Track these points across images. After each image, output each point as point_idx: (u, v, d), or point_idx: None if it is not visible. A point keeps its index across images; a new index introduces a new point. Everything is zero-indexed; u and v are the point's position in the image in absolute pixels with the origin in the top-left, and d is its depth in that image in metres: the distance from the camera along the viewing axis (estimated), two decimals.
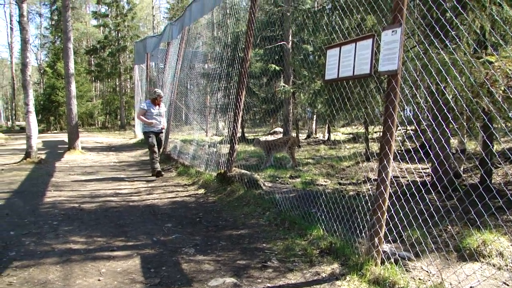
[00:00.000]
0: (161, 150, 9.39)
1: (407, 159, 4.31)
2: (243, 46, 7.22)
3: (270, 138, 19.66)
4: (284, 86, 13.75)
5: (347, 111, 7.37)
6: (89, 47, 44.96)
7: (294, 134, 18.80)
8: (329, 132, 18.55)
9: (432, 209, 3.57)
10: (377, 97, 7.16)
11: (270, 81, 19.57)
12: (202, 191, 7.50)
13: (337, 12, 7.06)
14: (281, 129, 22.10)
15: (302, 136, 20.36)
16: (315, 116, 19.59)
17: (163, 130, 9.29)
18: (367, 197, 5.12)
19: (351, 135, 15.23)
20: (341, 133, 19.99)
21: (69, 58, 13.95)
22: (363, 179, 8.06)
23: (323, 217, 4.77)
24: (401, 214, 3.64)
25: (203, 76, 13.43)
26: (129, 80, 46.45)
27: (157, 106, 9.08)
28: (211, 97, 13.33)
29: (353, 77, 3.89)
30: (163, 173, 9.30)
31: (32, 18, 48.93)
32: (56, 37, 42.82)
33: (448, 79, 4.46)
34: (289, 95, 14.39)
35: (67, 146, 14.64)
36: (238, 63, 8.71)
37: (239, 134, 7.37)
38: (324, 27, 7.60)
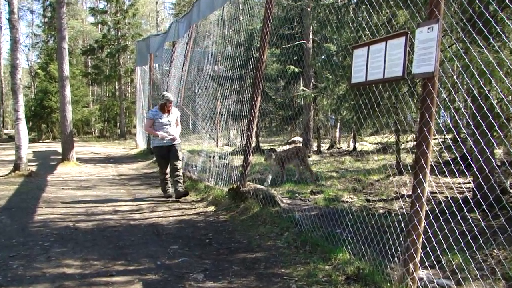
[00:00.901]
0: (179, 164, 8.43)
1: (446, 172, 4.27)
2: (258, 45, 7.27)
3: (286, 148, 19.69)
4: (304, 90, 13.79)
5: (376, 118, 7.34)
6: (85, 47, 45.69)
7: (315, 144, 18.76)
8: (354, 142, 18.48)
9: (476, 231, 3.52)
10: (410, 102, 7.12)
11: (288, 84, 19.62)
12: (212, 208, 7.52)
13: (364, 6, 7.06)
14: (300, 138, 22.08)
15: (324, 146, 20.32)
16: (339, 123, 19.54)
17: (176, 142, 8.46)
18: (400, 216, 5.06)
19: (380, 145, 15.13)
20: (369, 142, 19.89)
21: (64, 59, 14.15)
22: (395, 195, 8.00)
23: (349, 238, 4.73)
24: (440, 236, 3.59)
25: (213, 79, 13.53)
26: (130, 84, 47.03)
27: (167, 114, 8.36)
28: (222, 103, 13.43)
29: (383, 81, 3.89)
30: (179, 192, 8.37)
31: (23, 16, 50.02)
32: (49, 36, 43.64)
33: (493, 82, 4.43)
34: (309, 100, 14.41)
35: (60, 157, 14.83)
36: (252, 64, 8.75)
37: (253, 144, 7.40)
38: (350, 23, 7.61)
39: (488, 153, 5.44)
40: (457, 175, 4.34)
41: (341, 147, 20.13)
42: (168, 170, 8.56)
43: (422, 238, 3.42)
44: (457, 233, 3.57)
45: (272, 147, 12.32)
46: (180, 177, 8.43)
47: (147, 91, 20.03)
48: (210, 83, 13.68)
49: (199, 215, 7.16)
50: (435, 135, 3.84)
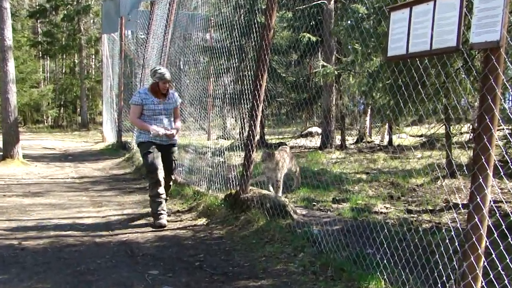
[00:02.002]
0: (173, 177, 8.22)
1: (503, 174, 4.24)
2: (264, 6, 7.24)
3: (301, 142, 19.62)
4: (324, 66, 13.75)
5: (420, 102, 7.30)
6: (34, 7, 45.55)
7: (338, 137, 18.74)
8: (390, 134, 18.44)
9: None
10: (466, 81, 7.10)
11: (302, 58, 19.58)
12: (203, 221, 7.52)
13: None
14: (318, 129, 22.11)
15: (350, 140, 20.32)
16: (370, 110, 19.51)
17: (176, 139, 7.92)
18: (452, 233, 5.04)
19: (424, 138, 15.07)
20: (409, 135, 19.86)
21: (5, 23, 14.01)
22: (445, 204, 7.98)
23: (384, 261, 4.72)
24: (508, 260, 3.58)
25: (204, 51, 13.49)
26: (94, 57, 47.11)
27: (161, 98, 7.62)
28: (216, 82, 13.42)
29: (430, 53, 3.87)
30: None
31: None
32: None
33: None
34: (331, 79, 14.36)
35: (1, 153, 14.77)
36: (256, 32, 8.73)
37: (257, 137, 7.37)
38: None
39: None
40: None
41: (373, 141, 20.12)
42: (160, 173, 7.52)
43: (483, 262, 3.40)
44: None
45: (281, 142, 12.28)
46: (166, 198, 7.74)
47: (118, 66, 20.05)
48: (200, 56, 13.65)
49: (186, 229, 7.16)
50: (500, 125, 3.82)
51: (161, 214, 7.42)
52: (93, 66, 47.92)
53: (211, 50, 12.88)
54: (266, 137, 20.43)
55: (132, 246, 6.30)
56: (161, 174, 7.49)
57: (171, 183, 8.18)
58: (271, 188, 8.84)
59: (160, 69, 7.68)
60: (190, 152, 11.38)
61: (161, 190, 7.46)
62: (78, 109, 44.76)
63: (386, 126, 19.47)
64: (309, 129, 23.09)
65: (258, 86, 7.16)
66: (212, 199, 8.09)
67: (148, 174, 7.72)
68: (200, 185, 9.31)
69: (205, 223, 7.38)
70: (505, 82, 4.23)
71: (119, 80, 19.40)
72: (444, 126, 9.73)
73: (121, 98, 19.11)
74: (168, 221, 7.54)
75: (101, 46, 28.36)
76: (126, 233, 6.94)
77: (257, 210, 6.99)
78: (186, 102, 12.35)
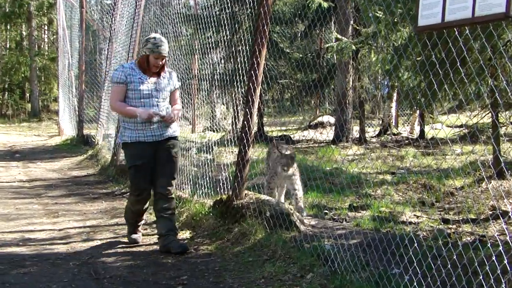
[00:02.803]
0: (172, 185, 7.20)
1: None
2: None
3: (309, 134, 19.59)
4: (338, 38, 13.74)
5: (459, 84, 7.31)
6: None
7: (356, 128, 18.74)
8: (422, 124, 18.48)
9: None
10: None
11: (311, 30, 19.61)
12: (186, 234, 7.57)
13: None
14: (331, 119, 22.12)
15: (372, 132, 20.35)
16: (396, 94, 19.54)
17: (176, 129, 7.25)
18: (500, 248, 5.05)
19: (464, 130, 15.07)
20: (446, 125, 19.87)
21: None
22: (491, 212, 8.00)
23: (414, 283, 4.74)
24: None
25: (186, 20, 13.48)
26: (47, 28, 46.94)
27: (154, 77, 6.92)
28: (202, 60, 13.39)
29: (472, 21, 3.87)
30: (173, 245, 6.90)
31: None
32: None
33: None
34: (347, 55, 14.37)
35: None
36: None
37: (254, 128, 7.38)
38: None
39: None
40: None
41: (400, 133, 20.18)
42: (147, 193, 7.09)
43: None
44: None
45: (285, 135, 12.23)
46: (173, 213, 7.19)
47: (77, 40, 20.01)
48: (183, 27, 13.65)
49: None
50: None
51: (136, 232, 7.30)
52: (46, 40, 47.85)
53: (196, 19, 12.87)
54: (266, 128, 20.49)
55: (97, 266, 6.31)
56: (147, 185, 6.98)
57: (167, 190, 7.03)
58: (282, 198, 8.71)
59: (154, 38, 6.76)
60: None
61: (145, 204, 7.24)
62: (27, 95, 44.69)
63: (417, 115, 19.52)
64: (320, 119, 23.06)
65: (255, 65, 7.17)
66: (198, 207, 8.11)
67: (131, 183, 7.15)
68: (183, 190, 9.33)
69: (189, 237, 7.42)
70: None
71: (80, 57, 19.39)
72: (490, 114, 9.74)
73: (82, 80, 19.10)
74: (143, 234, 7.56)
75: (56, 14, 28.32)
76: (89, 250, 6.96)
77: (254, 220, 6.99)
78: None
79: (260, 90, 7.42)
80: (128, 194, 9.80)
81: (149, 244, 7.22)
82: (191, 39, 13.28)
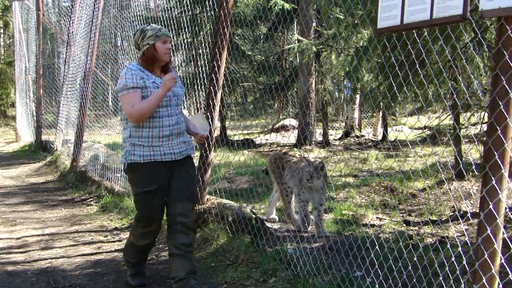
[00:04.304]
0: (192, 211, 5.86)
1: None
2: None
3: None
4: (300, 40, 13.78)
5: (419, 86, 7.36)
6: None
7: (319, 131, 18.79)
8: (385, 127, 18.60)
9: None
10: (476, 59, 7.17)
11: (273, 31, 19.62)
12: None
13: None
14: (294, 121, 22.17)
15: (335, 134, 20.42)
16: (358, 96, 19.65)
17: (193, 150, 6.10)
18: (460, 248, 5.11)
19: (426, 131, 15.17)
20: (408, 127, 20.04)
21: None
22: (452, 214, 8.06)
23: (376, 286, 4.76)
24: None
25: (146, 23, 13.42)
26: (2, 31, 46.39)
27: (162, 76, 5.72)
28: None
29: (431, 23, 3.89)
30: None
31: None
32: None
33: None
34: (309, 57, 14.41)
35: None
36: None
37: (216, 132, 7.37)
38: None
39: None
40: None
41: (363, 136, 20.28)
42: (158, 224, 5.90)
43: (498, 283, 3.44)
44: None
45: (247, 138, 12.24)
46: (192, 250, 5.85)
47: (34, 43, 19.81)
48: None
49: None
50: None
51: (139, 267, 6.05)
52: (1, 44, 47.28)
53: (156, 21, 12.82)
54: (228, 132, 20.45)
55: (56, 274, 6.25)
56: (158, 216, 5.78)
57: (187, 218, 5.72)
58: (295, 217, 8.04)
59: (149, 25, 5.79)
60: None
61: (154, 238, 6.12)
62: None
63: (379, 117, 19.64)
64: (283, 122, 23.13)
65: (216, 68, 7.17)
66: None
67: (140, 213, 5.78)
68: None
69: None
70: None
71: (37, 61, 19.19)
72: (451, 116, 9.83)
73: (40, 84, 18.90)
74: (103, 241, 7.51)
75: (11, 17, 28.00)
76: (48, 259, 6.89)
77: (216, 224, 6.99)
78: None
79: (221, 93, 7.40)
80: (89, 200, 9.78)
81: (110, 251, 7.16)
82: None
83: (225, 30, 7.10)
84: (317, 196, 7.41)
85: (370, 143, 17.71)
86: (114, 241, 7.62)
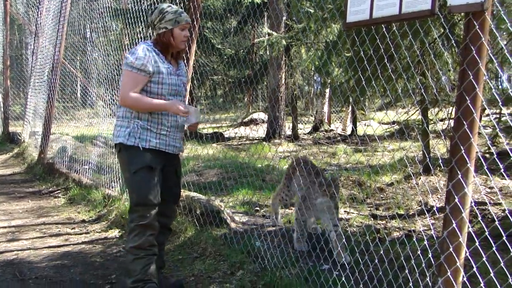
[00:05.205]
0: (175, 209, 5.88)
1: (503, 170, 4.31)
2: None
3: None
4: (270, 34, 13.78)
5: (388, 81, 7.39)
6: None
7: (288, 124, 18.81)
8: (354, 121, 18.67)
9: None
10: (445, 54, 7.22)
11: (243, 25, 19.60)
12: (115, 232, 7.49)
13: None
14: (264, 115, 22.16)
15: (304, 129, 20.46)
16: (328, 90, 19.71)
17: (182, 148, 5.79)
18: (426, 242, 5.14)
19: (394, 126, 15.26)
20: (377, 122, 20.15)
21: None
22: (419, 207, 8.11)
23: (343, 279, 4.78)
24: (492, 274, 3.66)
25: (116, 15, 13.35)
26: None
27: (173, 64, 5.44)
28: None
29: (399, 18, 3.90)
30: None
31: None
32: None
33: None
34: (279, 51, 14.43)
35: None
36: None
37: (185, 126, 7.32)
38: None
39: None
40: None
41: (332, 130, 20.33)
42: (156, 214, 5.27)
43: (463, 276, 3.47)
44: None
45: (216, 132, 12.23)
46: (163, 247, 5.73)
47: (1, 34, 19.60)
48: (112, 21, 13.52)
49: (94, 244, 7.09)
50: (486, 109, 3.89)
51: (149, 281, 5.14)
52: None
53: (125, 13, 12.74)
54: (198, 126, 20.39)
55: (23, 266, 6.20)
56: (156, 213, 5.22)
57: (173, 213, 5.81)
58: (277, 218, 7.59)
59: (169, 6, 5.30)
60: (99, 146, 11.27)
61: (154, 239, 5.24)
62: None
63: (349, 111, 19.71)
64: (252, 116, 23.12)
65: (185, 60, 7.13)
66: (128, 205, 8.03)
67: (137, 209, 5.16)
68: (112, 188, 9.22)
69: (118, 236, 7.35)
70: (491, 55, 4.31)
71: (4, 52, 18.98)
72: (419, 111, 9.88)
73: (7, 76, 18.70)
74: (70, 234, 7.46)
75: None
76: (14, 251, 6.83)
77: (184, 217, 6.98)
78: (94, 81, 12.23)
79: (190, 86, 7.38)
80: (56, 192, 9.70)
81: (77, 243, 7.11)
82: (121, 34, 13.17)
83: (195, 22, 7.08)
84: (328, 216, 6.18)
85: (339, 138, 17.77)
86: (81, 233, 7.58)
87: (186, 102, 5.92)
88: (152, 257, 5.13)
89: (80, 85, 12.91)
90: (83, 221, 8.23)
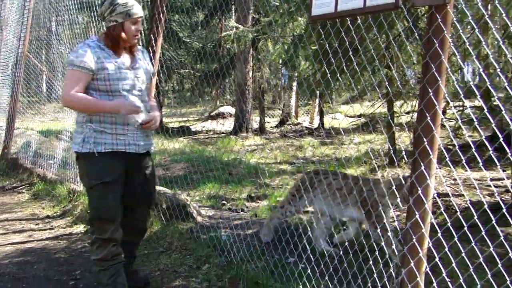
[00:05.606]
0: (148, 214, 5.59)
1: (464, 162, 4.35)
2: None
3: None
4: (237, 27, 13.77)
5: (353, 74, 7.42)
6: None
7: (256, 118, 18.81)
8: (321, 115, 18.72)
9: (511, 254, 3.65)
10: (409, 48, 7.25)
11: (210, 18, 19.56)
12: (80, 228, 7.44)
13: None
14: (231, 109, 22.16)
15: (272, 122, 20.48)
16: (295, 84, 19.75)
17: (153, 145, 5.34)
18: (389, 234, 5.18)
19: (361, 119, 15.34)
20: (345, 115, 20.23)
21: None
22: None
23: (308, 271, 4.80)
24: (454, 264, 3.70)
25: (82, 7, 13.24)
26: None
27: (128, 57, 5.05)
28: None
29: (364, 11, 3.91)
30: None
31: None
32: None
33: None
34: (246, 44, 14.42)
35: None
36: None
37: None
38: None
39: None
40: (482, 165, 4.44)
41: (300, 123, 20.38)
42: (117, 226, 5.01)
43: (426, 267, 3.50)
44: (482, 259, 3.68)
45: (182, 126, 12.19)
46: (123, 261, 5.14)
47: None
48: (78, 14, 13.41)
49: (58, 239, 7.04)
50: (449, 102, 3.92)
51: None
52: None
53: (91, 6, 12.65)
54: (165, 120, 20.36)
55: None
56: (116, 225, 4.95)
57: (145, 221, 5.46)
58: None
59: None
60: (65, 140, 11.19)
61: (117, 248, 5.00)
62: None
63: (316, 105, 19.76)
64: (220, 109, 23.11)
65: (151, 54, 7.11)
66: None
67: (95, 223, 5.00)
68: (78, 182, 9.16)
69: (83, 231, 7.31)
70: (453, 48, 4.35)
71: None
72: (385, 104, 9.94)
73: None
74: (34, 230, 7.41)
75: None
76: None
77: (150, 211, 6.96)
78: (60, 74, 12.14)
79: (157, 80, 7.36)
80: (20, 188, 9.64)
81: (41, 239, 7.06)
82: (87, 27, 13.07)
83: (161, 15, 7.05)
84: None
85: (306, 131, 17.81)
86: (45, 229, 7.53)
87: (152, 96, 5.46)
88: (118, 265, 4.96)
89: (45, 78, 12.76)
90: (48, 216, 8.18)
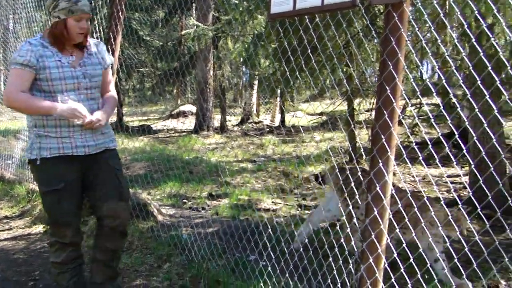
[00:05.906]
0: (127, 213, 5.10)
1: (422, 159, 4.39)
2: None
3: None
4: (197, 26, 13.75)
5: (313, 73, 7.45)
6: None
7: (217, 116, 18.79)
8: (282, 113, 18.77)
9: (466, 249, 3.70)
10: (367, 46, 7.30)
11: (171, 16, 19.50)
12: (39, 228, 7.38)
13: None
14: (192, 108, 22.12)
15: (233, 121, 20.48)
16: (256, 83, 19.78)
17: (113, 137, 5.03)
18: (348, 230, 5.22)
19: (321, 117, 15.41)
20: (304, 112, 20.30)
21: None
22: None
23: (268, 268, 4.81)
24: (412, 259, 3.74)
25: (39, 6, 13.12)
26: None
27: (76, 54, 4.72)
28: None
29: (321, 9, 3.93)
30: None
31: None
32: None
33: (497, 13, 4.62)
34: (206, 43, 14.41)
35: None
36: None
37: (113, 118, 7.28)
38: None
39: (488, 128, 5.70)
40: (438, 162, 4.49)
41: (261, 121, 20.41)
42: (75, 231, 4.86)
43: (384, 263, 3.54)
44: (438, 255, 3.73)
45: (143, 125, 12.13)
46: (119, 256, 5.15)
47: None
48: (36, 12, 13.29)
49: (17, 240, 6.98)
50: (407, 99, 3.95)
51: None
52: None
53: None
54: (126, 118, 20.26)
55: None
56: (74, 230, 4.82)
57: (118, 236, 4.95)
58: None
59: None
60: (23, 140, 11.09)
61: (78, 252, 4.95)
62: None
63: (277, 103, 19.81)
64: (181, 108, 23.05)
65: (110, 52, 7.06)
66: None
67: (52, 228, 4.88)
68: (35, 182, 9.11)
69: (42, 231, 7.26)
70: (410, 46, 4.40)
71: None
72: (345, 102, 10.01)
73: None
74: None
75: None
76: None
77: None
78: None
79: (116, 78, 7.31)
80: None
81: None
82: (45, 26, 12.96)
83: (120, 13, 7.01)
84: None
85: (267, 129, 17.86)
86: (3, 230, 7.46)
87: (109, 89, 5.05)
88: (77, 268, 4.86)
89: (3, 78, 12.65)
90: (6, 217, 8.11)
